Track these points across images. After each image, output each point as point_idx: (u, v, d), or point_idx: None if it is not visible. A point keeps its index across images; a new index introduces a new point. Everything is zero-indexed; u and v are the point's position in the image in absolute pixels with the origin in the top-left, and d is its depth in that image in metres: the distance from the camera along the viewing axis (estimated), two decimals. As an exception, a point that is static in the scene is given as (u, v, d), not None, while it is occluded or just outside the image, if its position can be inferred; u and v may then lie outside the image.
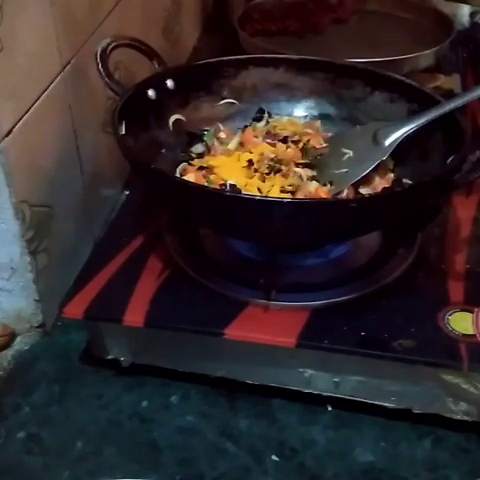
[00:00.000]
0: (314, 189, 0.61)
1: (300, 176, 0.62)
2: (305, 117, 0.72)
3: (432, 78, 0.93)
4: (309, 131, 0.69)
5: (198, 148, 0.69)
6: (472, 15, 1.09)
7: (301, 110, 0.73)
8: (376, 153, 0.62)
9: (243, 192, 0.58)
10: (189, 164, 0.66)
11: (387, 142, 0.62)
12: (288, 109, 0.72)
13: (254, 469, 0.54)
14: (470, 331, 0.55)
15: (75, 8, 0.67)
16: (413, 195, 0.55)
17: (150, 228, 0.67)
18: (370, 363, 0.55)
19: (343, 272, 0.61)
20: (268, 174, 0.62)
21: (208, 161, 0.65)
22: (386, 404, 0.57)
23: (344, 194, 0.61)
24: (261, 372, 0.58)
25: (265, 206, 0.52)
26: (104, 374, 0.62)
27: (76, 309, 0.58)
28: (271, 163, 0.63)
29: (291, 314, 0.57)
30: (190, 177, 0.62)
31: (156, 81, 0.67)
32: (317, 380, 0.57)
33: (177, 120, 0.69)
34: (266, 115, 0.71)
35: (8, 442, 0.56)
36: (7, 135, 0.56)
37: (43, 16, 0.61)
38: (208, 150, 0.68)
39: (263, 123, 0.70)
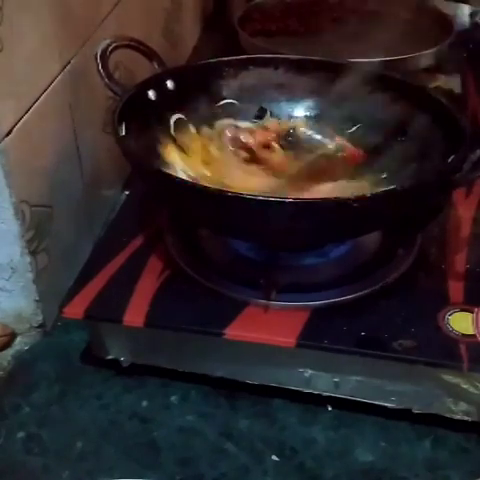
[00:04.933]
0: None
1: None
2: (305, 117, 0.72)
3: (432, 78, 0.93)
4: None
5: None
6: (472, 15, 1.09)
7: (301, 110, 0.72)
8: None
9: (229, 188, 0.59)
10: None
11: None
12: (288, 109, 0.72)
13: (254, 469, 0.54)
14: (470, 331, 0.55)
15: (75, 8, 0.67)
16: (413, 195, 0.55)
17: (150, 228, 0.67)
18: (370, 363, 0.55)
19: (343, 272, 0.61)
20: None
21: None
22: (386, 404, 0.57)
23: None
24: (261, 372, 0.58)
25: (266, 206, 0.52)
26: (104, 374, 0.62)
27: (76, 309, 0.58)
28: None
29: (291, 314, 0.57)
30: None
31: (156, 82, 0.67)
32: (317, 380, 0.57)
33: (177, 120, 0.69)
34: (268, 114, 0.71)
35: (8, 442, 0.56)
36: (7, 135, 0.56)
37: (43, 16, 0.61)
38: None
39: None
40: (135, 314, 0.57)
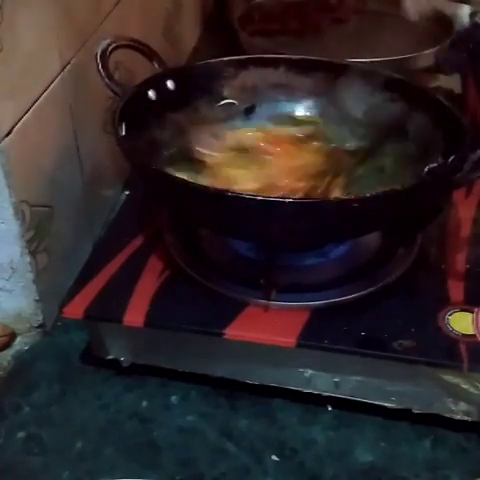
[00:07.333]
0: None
1: None
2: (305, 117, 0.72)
3: (432, 78, 0.93)
4: None
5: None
6: (472, 15, 1.09)
7: (301, 110, 0.73)
8: None
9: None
10: None
11: None
12: (288, 109, 0.72)
13: (254, 469, 0.54)
14: (470, 331, 0.55)
15: (75, 8, 0.67)
16: (413, 195, 0.55)
17: (150, 228, 0.67)
18: (370, 363, 0.55)
19: (343, 272, 0.61)
20: None
21: None
22: (386, 404, 0.57)
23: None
24: (261, 372, 0.58)
25: (266, 206, 0.52)
26: (104, 374, 0.62)
27: (76, 309, 0.58)
28: None
29: (291, 314, 0.57)
30: None
31: (156, 82, 0.67)
32: (317, 380, 0.57)
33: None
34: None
35: (8, 442, 0.56)
36: (7, 135, 0.56)
37: (43, 16, 0.61)
38: None
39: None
40: (135, 314, 0.57)
